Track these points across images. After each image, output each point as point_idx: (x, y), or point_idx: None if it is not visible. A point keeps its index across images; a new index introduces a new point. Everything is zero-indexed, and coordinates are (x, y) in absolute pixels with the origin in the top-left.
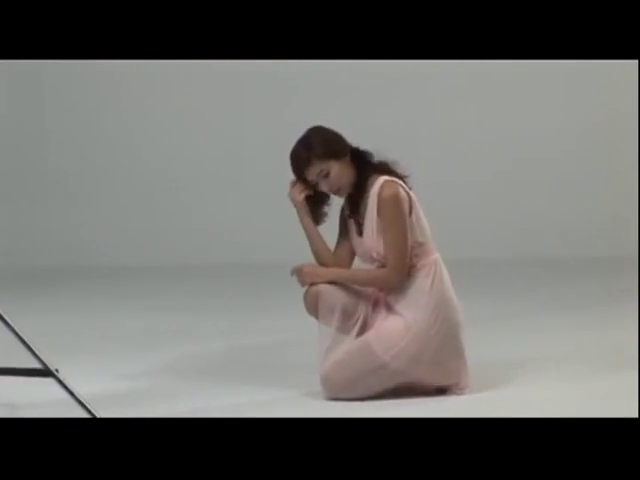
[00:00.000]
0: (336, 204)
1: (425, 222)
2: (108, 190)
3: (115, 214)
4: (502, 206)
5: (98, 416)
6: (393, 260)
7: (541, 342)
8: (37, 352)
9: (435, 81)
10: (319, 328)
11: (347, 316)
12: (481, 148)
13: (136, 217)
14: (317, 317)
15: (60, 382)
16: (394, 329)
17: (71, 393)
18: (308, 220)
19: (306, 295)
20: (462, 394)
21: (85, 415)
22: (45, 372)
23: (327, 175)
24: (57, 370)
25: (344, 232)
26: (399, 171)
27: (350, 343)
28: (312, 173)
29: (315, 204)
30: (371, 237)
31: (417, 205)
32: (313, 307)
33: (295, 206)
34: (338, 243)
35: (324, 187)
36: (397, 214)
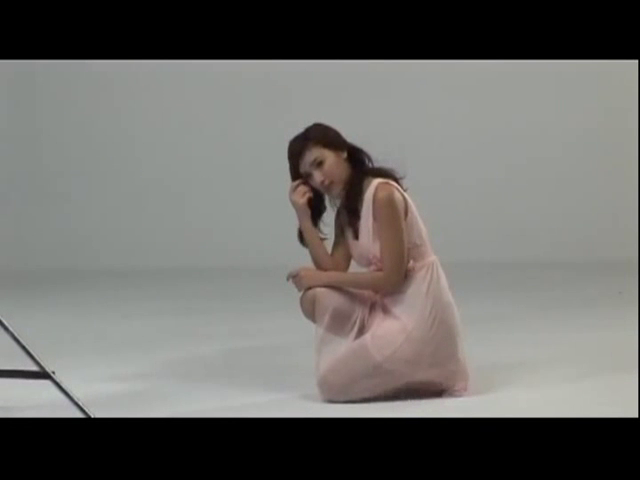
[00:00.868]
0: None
1: (421, 224)
2: (106, 192)
3: (112, 216)
4: (500, 208)
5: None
6: (390, 263)
7: (538, 344)
8: (34, 354)
9: (433, 82)
10: (316, 331)
11: (344, 319)
12: (479, 149)
13: (134, 220)
14: (314, 320)
15: (57, 384)
16: (390, 331)
17: (68, 395)
18: (308, 223)
19: (303, 299)
20: (459, 396)
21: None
22: (42, 374)
23: (321, 164)
24: (54, 372)
25: (340, 235)
26: (395, 174)
27: (347, 346)
28: (307, 161)
29: (314, 207)
30: (367, 240)
31: (413, 207)
32: (310, 310)
33: (296, 209)
34: (334, 247)
35: (317, 178)
36: (392, 217)
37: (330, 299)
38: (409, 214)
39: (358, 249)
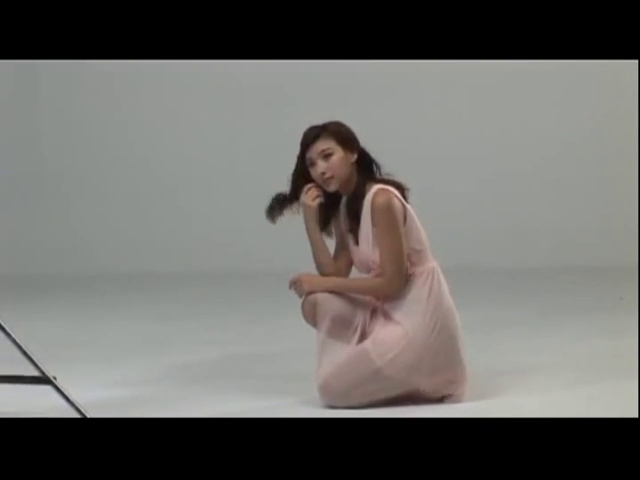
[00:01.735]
0: None
1: (421, 230)
2: (109, 196)
3: (115, 220)
4: (500, 214)
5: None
6: (390, 269)
7: (538, 350)
8: (35, 360)
9: (431, 85)
10: (317, 337)
11: (345, 325)
12: (478, 153)
13: (136, 224)
14: (315, 325)
15: (58, 390)
16: (392, 336)
17: (69, 400)
18: (314, 226)
19: (304, 304)
20: (459, 401)
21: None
22: (43, 380)
23: (328, 156)
24: (55, 378)
25: (341, 242)
26: (402, 186)
27: (348, 351)
28: (316, 150)
29: (325, 212)
30: (367, 246)
31: (412, 213)
32: (311, 316)
33: (305, 211)
34: (336, 253)
35: (319, 169)
36: (391, 223)
37: (331, 304)
38: (408, 220)
39: (358, 255)
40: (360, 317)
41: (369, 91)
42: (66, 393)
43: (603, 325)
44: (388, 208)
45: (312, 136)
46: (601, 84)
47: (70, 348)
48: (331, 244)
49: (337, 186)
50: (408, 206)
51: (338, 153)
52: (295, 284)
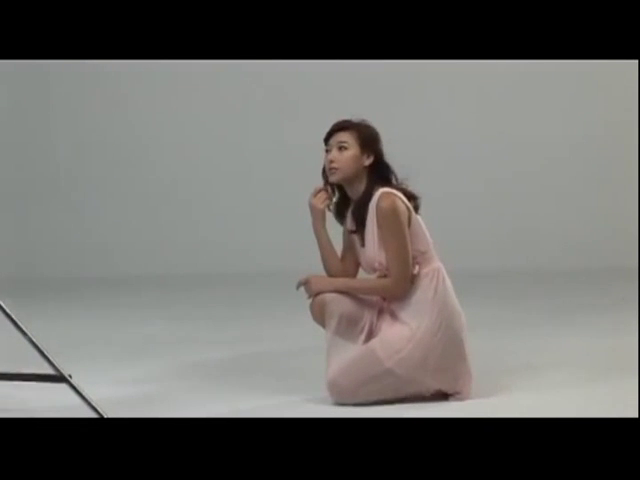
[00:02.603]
0: None
1: (426, 231)
2: (118, 203)
3: (125, 226)
4: (503, 216)
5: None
6: (396, 270)
7: (541, 349)
8: (51, 359)
9: (434, 87)
10: (326, 336)
11: (353, 324)
12: (480, 157)
13: (144, 228)
14: (323, 325)
15: (73, 387)
16: (399, 336)
17: (84, 398)
18: (322, 228)
19: (312, 304)
20: (465, 399)
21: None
22: (59, 378)
23: (343, 149)
24: (70, 376)
25: (348, 243)
26: (412, 194)
27: (356, 350)
28: (336, 139)
29: (339, 211)
30: (372, 248)
31: (416, 215)
32: (319, 316)
33: (312, 213)
34: (343, 253)
35: (330, 157)
36: (396, 225)
37: (339, 305)
38: (412, 222)
39: (364, 256)
40: (367, 317)
41: (375, 91)
42: (81, 391)
43: (604, 325)
44: (393, 211)
45: (339, 126)
46: (601, 84)
47: (85, 347)
48: (338, 245)
49: (339, 179)
50: (412, 208)
51: (353, 150)
52: (304, 285)
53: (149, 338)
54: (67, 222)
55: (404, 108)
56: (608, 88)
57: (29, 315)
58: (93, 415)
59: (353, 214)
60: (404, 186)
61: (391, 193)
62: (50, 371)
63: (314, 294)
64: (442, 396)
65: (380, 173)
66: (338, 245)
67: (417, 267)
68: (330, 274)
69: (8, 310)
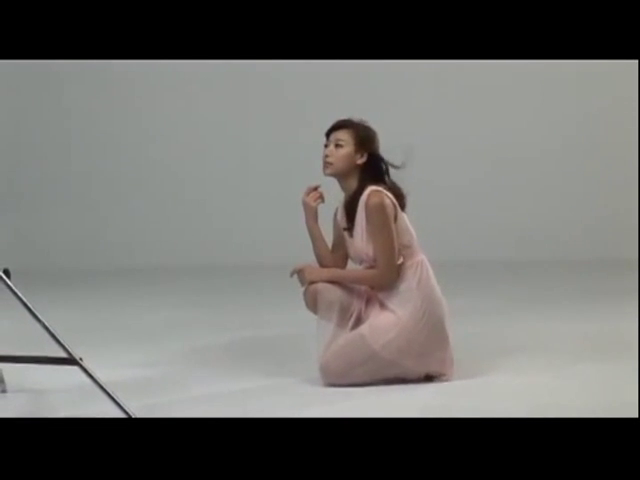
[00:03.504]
0: (330, 209)
1: (410, 227)
2: (127, 199)
3: (137, 220)
4: (494, 209)
5: (118, 400)
6: (383, 262)
7: (519, 334)
8: (64, 343)
9: (430, 81)
10: (318, 322)
11: (343, 311)
12: (476, 149)
13: (151, 223)
14: (315, 312)
15: (84, 370)
16: (385, 323)
17: (94, 379)
18: (314, 224)
19: (306, 293)
20: (447, 381)
21: (106, 399)
22: (71, 361)
23: (339, 146)
24: (81, 359)
25: (338, 237)
26: (401, 192)
27: (346, 335)
28: (335, 136)
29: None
30: (361, 241)
31: (401, 212)
32: (312, 303)
33: (306, 210)
34: (334, 246)
35: (327, 152)
36: (383, 221)
37: (330, 293)
38: (398, 218)
39: (353, 248)
40: (356, 305)
41: (374, 91)
42: (91, 372)
43: (584, 312)
44: (380, 207)
45: (339, 124)
46: (601, 84)
47: (94, 334)
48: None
49: (331, 173)
50: (398, 205)
51: (348, 148)
52: (298, 273)
53: (155, 324)
54: (81, 217)
55: (404, 107)
56: (608, 88)
57: (44, 303)
58: (102, 394)
59: (344, 208)
60: (394, 185)
61: (380, 191)
62: (63, 354)
63: (307, 283)
64: (426, 378)
65: (372, 172)
66: (329, 238)
67: (402, 259)
68: (322, 265)
69: (24, 298)
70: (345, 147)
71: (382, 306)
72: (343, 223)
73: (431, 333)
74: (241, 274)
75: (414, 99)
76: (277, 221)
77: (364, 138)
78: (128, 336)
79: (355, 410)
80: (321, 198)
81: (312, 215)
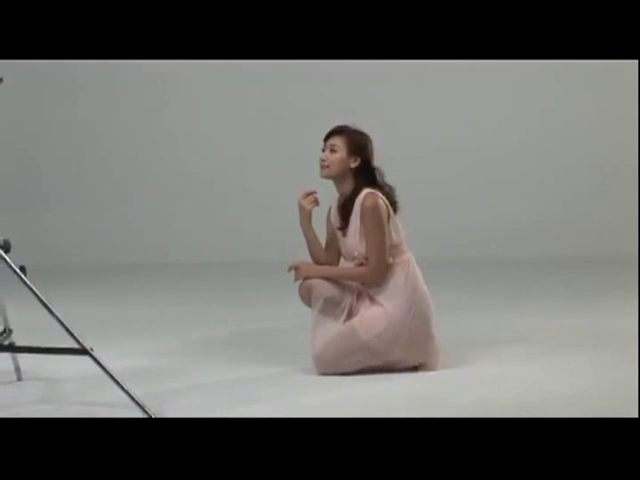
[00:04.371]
0: (324, 210)
1: (400, 227)
2: (138, 199)
3: (142, 221)
4: (486, 207)
5: (125, 387)
6: (374, 260)
7: (500, 328)
8: (75, 334)
9: (428, 80)
10: (312, 315)
11: (335, 305)
12: (475, 147)
13: (157, 223)
14: (310, 306)
15: (94, 359)
16: (375, 316)
17: (104, 368)
18: (308, 225)
19: (301, 288)
20: (433, 370)
21: (114, 387)
22: (82, 351)
23: (334, 151)
24: (92, 349)
25: (331, 235)
26: (392, 195)
27: (338, 327)
28: (330, 141)
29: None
30: (354, 239)
31: (393, 214)
32: (307, 298)
33: (301, 212)
34: (327, 244)
35: (323, 156)
36: (377, 222)
37: (324, 288)
38: (391, 219)
39: (345, 246)
40: (348, 299)
41: (374, 90)
42: (101, 362)
43: (557, 307)
44: (375, 209)
45: (334, 131)
46: (601, 84)
47: (103, 326)
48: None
49: (326, 175)
50: (391, 208)
51: (342, 153)
52: (294, 269)
53: (160, 318)
54: (91, 218)
55: (404, 107)
56: (608, 88)
57: (57, 297)
58: (111, 382)
59: (339, 209)
60: (388, 189)
61: (374, 193)
62: (74, 345)
63: (302, 279)
64: (413, 368)
65: (365, 175)
66: (322, 236)
67: (391, 258)
68: (316, 262)
69: (39, 293)
70: (339, 152)
71: (372, 300)
72: (337, 222)
73: (417, 326)
74: (240, 271)
75: (407, 97)
76: (273, 221)
77: (356, 144)
78: (133, 328)
79: (346, 397)
80: (316, 202)
81: (306, 217)
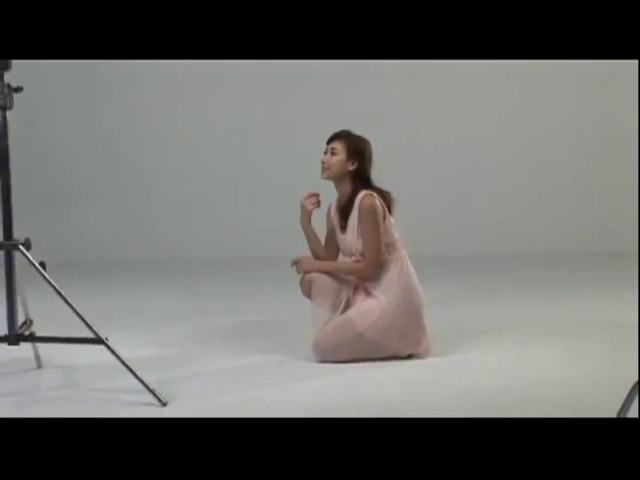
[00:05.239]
0: (323, 209)
1: (394, 227)
2: (146, 197)
3: (153, 219)
4: (484, 205)
5: (138, 374)
6: (370, 256)
7: (485, 319)
8: (91, 325)
9: (431, 79)
10: (312, 307)
11: (334, 298)
12: (474, 145)
13: (162, 219)
14: (310, 298)
15: (109, 348)
16: (370, 308)
17: (118, 357)
18: (308, 224)
19: (302, 281)
20: (424, 358)
21: (128, 374)
22: (98, 340)
23: (334, 154)
24: (107, 339)
25: (330, 233)
26: (388, 196)
27: (336, 318)
28: (331, 145)
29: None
30: (352, 236)
31: (389, 214)
32: (307, 291)
33: (302, 211)
34: (326, 241)
35: (324, 158)
36: (373, 221)
37: (323, 282)
38: (386, 219)
39: (344, 242)
40: (345, 292)
41: (373, 90)
42: (115, 350)
43: (537, 299)
44: (372, 209)
45: (335, 135)
46: (601, 84)
47: (117, 318)
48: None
49: (327, 176)
50: (386, 208)
51: (341, 156)
52: (296, 263)
53: (168, 310)
54: (104, 217)
55: (403, 106)
56: (608, 88)
57: (73, 291)
58: (125, 369)
59: (339, 209)
60: (385, 190)
61: (372, 194)
62: (90, 335)
63: (304, 272)
64: (406, 357)
65: (363, 177)
66: (322, 232)
67: (386, 254)
68: (316, 258)
69: (58, 287)
70: (338, 155)
71: (367, 293)
72: (336, 220)
73: (410, 317)
74: (244, 265)
75: (403, 96)
76: (276, 218)
77: (355, 148)
78: (144, 320)
79: (343, 382)
80: (318, 203)
81: (307, 216)
